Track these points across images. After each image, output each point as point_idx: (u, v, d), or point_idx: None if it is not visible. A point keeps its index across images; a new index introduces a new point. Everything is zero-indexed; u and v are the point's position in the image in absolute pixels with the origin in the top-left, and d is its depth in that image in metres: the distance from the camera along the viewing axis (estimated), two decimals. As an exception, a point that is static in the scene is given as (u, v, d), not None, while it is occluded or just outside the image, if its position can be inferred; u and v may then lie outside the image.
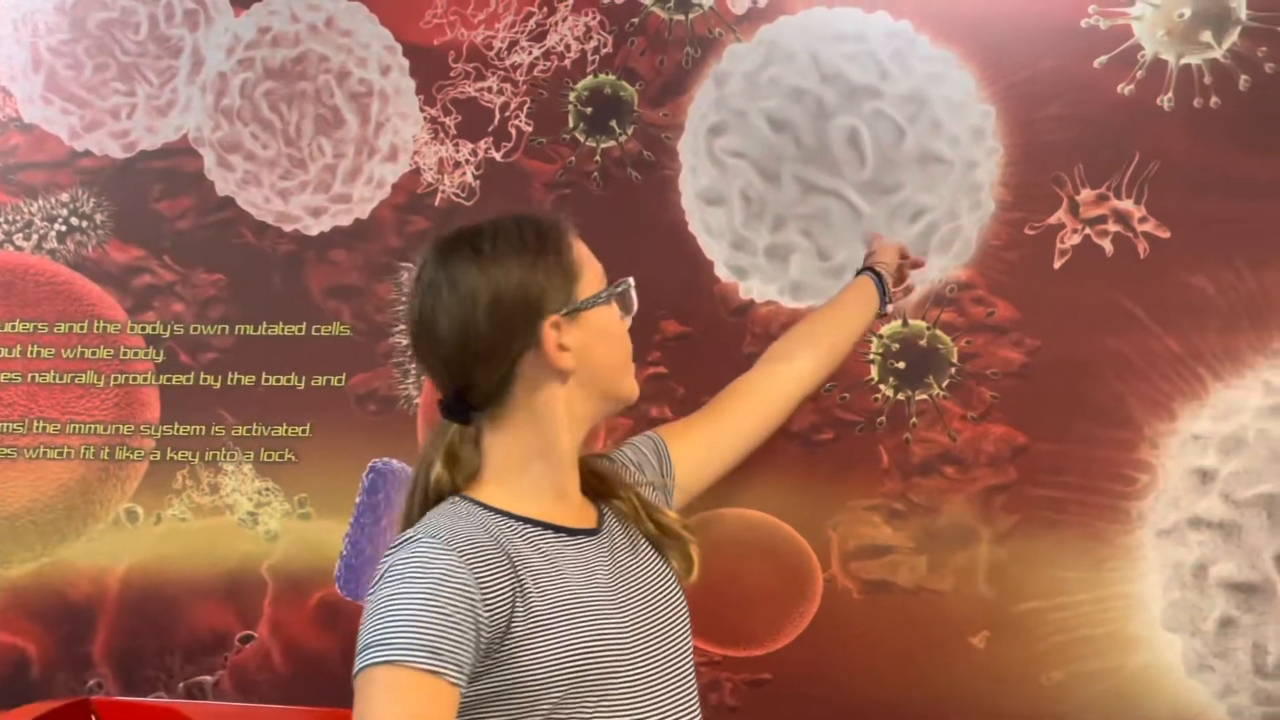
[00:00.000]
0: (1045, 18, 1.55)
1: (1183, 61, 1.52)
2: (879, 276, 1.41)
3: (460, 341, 0.94)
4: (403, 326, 1.68)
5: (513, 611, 0.89)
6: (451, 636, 0.84)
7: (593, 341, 0.97)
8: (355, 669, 0.85)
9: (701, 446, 1.20)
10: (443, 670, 0.83)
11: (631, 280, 1.01)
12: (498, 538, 0.93)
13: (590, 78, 1.64)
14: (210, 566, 1.69)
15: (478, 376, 0.95)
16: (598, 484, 1.06)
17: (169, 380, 1.69)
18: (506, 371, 0.95)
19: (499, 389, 0.96)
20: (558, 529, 0.98)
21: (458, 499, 0.97)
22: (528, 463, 0.98)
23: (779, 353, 1.31)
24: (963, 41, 1.57)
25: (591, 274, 0.99)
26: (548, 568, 0.94)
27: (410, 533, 0.92)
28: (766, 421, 1.26)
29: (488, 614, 0.87)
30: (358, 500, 1.65)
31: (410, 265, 1.66)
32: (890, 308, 1.42)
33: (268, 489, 1.67)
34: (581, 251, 1.00)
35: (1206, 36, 1.51)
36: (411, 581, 0.87)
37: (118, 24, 1.69)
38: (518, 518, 0.96)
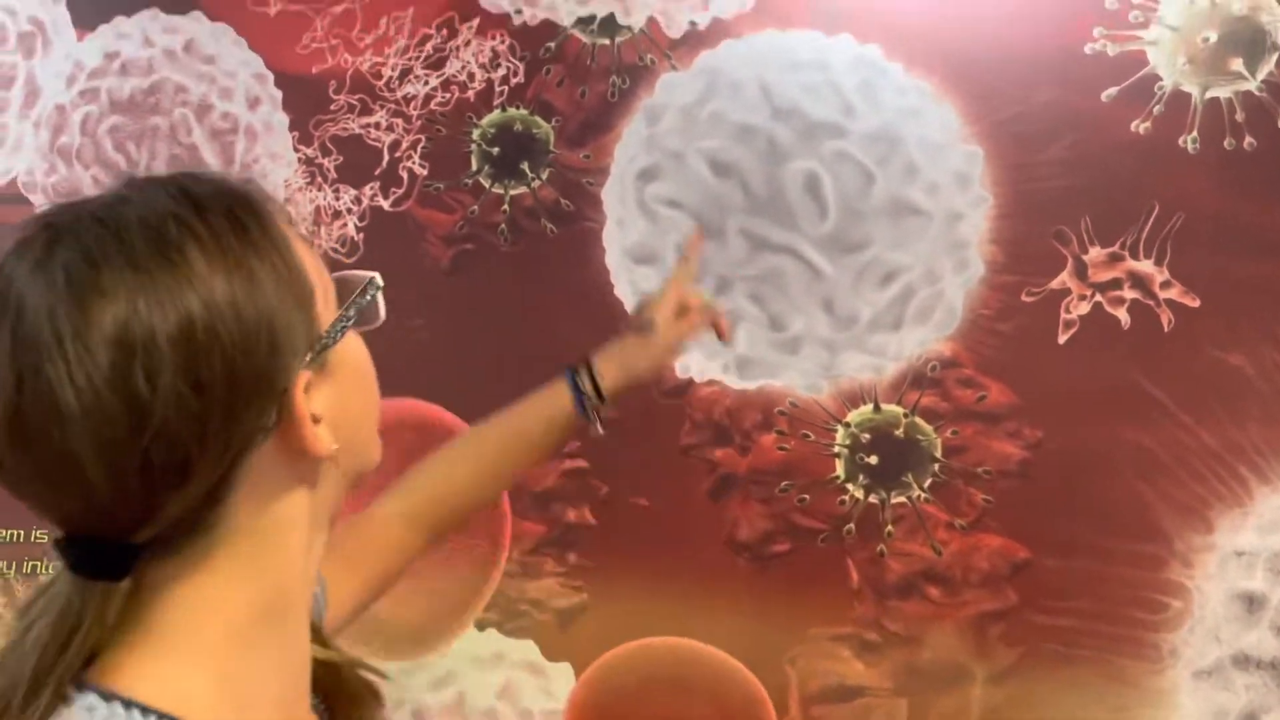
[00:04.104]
0: (1041, 42, 1.28)
1: (1209, 94, 1.26)
2: (576, 374, 0.92)
3: (122, 444, 0.49)
4: None
5: None
6: None
7: (348, 394, 0.58)
8: None
9: (355, 593, 0.81)
10: None
11: (377, 275, 0.60)
12: None
13: (497, 112, 1.38)
14: None
15: (162, 502, 0.51)
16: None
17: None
18: (213, 485, 0.52)
19: (195, 516, 0.52)
20: None
21: (94, 696, 0.51)
22: (246, 641, 0.55)
23: (416, 484, 0.90)
24: (942, 70, 1.30)
25: (320, 278, 0.57)
26: None
27: None
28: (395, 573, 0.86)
29: None
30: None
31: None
32: (600, 424, 0.91)
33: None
34: (299, 242, 0.57)
35: (1237, 65, 1.25)
36: None
37: (-61, 48, 1.42)
38: None
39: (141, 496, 0.50)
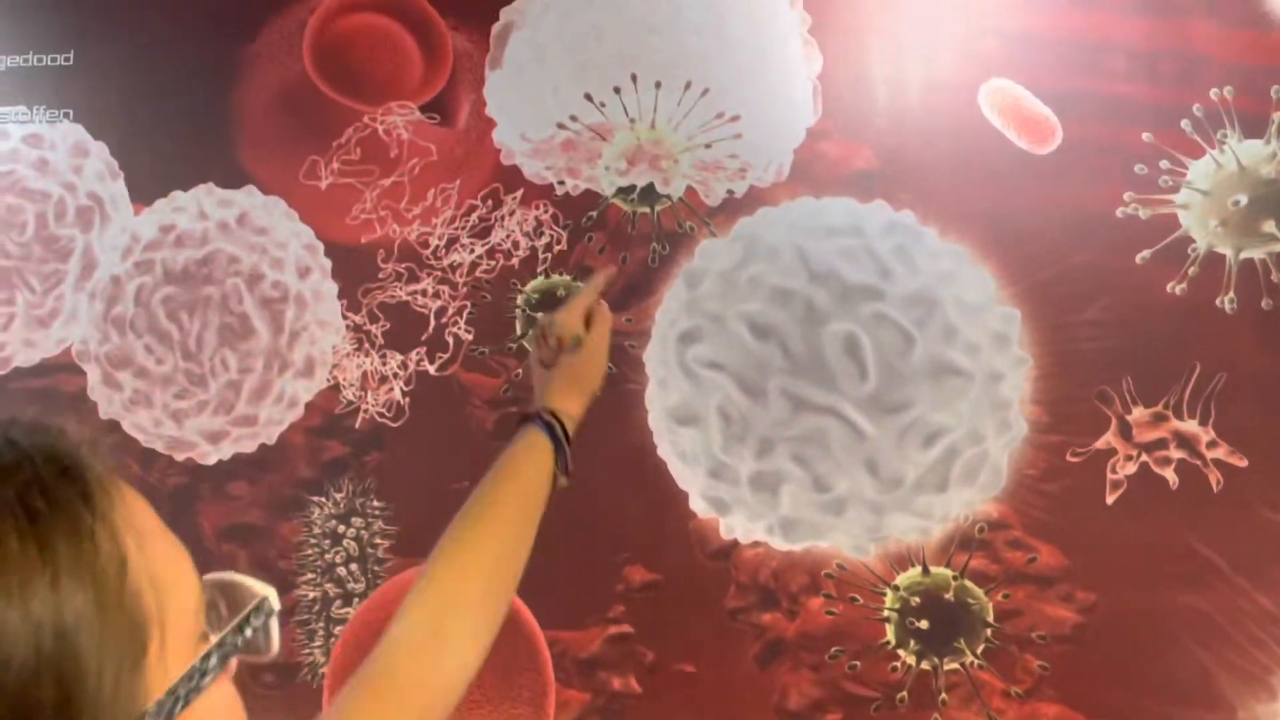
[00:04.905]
0: (1073, 206, 1.31)
1: (1243, 256, 1.28)
2: (557, 427, 0.77)
3: None
4: (309, 576, 1.39)
5: None
6: None
7: None
8: None
9: None
10: None
11: (272, 595, 0.42)
12: None
13: (541, 278, 1.41)
14: None
15: None
16: None
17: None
18: None
19: None
20: None
21: None
22: None
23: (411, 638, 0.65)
24: (977, 234, 1.33)
25: (178, 586, 0.39)
26: None
27: None
28: None
29: None
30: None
31: (322, 500, 1.38)
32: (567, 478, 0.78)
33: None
34: (130, 533, 0.38)
35: (1270, 227, 1.27)
36: None
37: (1, 224, 1.47)
38: None
39: None
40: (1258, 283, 1.27)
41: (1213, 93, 1.29)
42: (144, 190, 1.47)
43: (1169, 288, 1.28)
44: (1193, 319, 1.27)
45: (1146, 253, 1.29)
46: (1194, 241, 1.28)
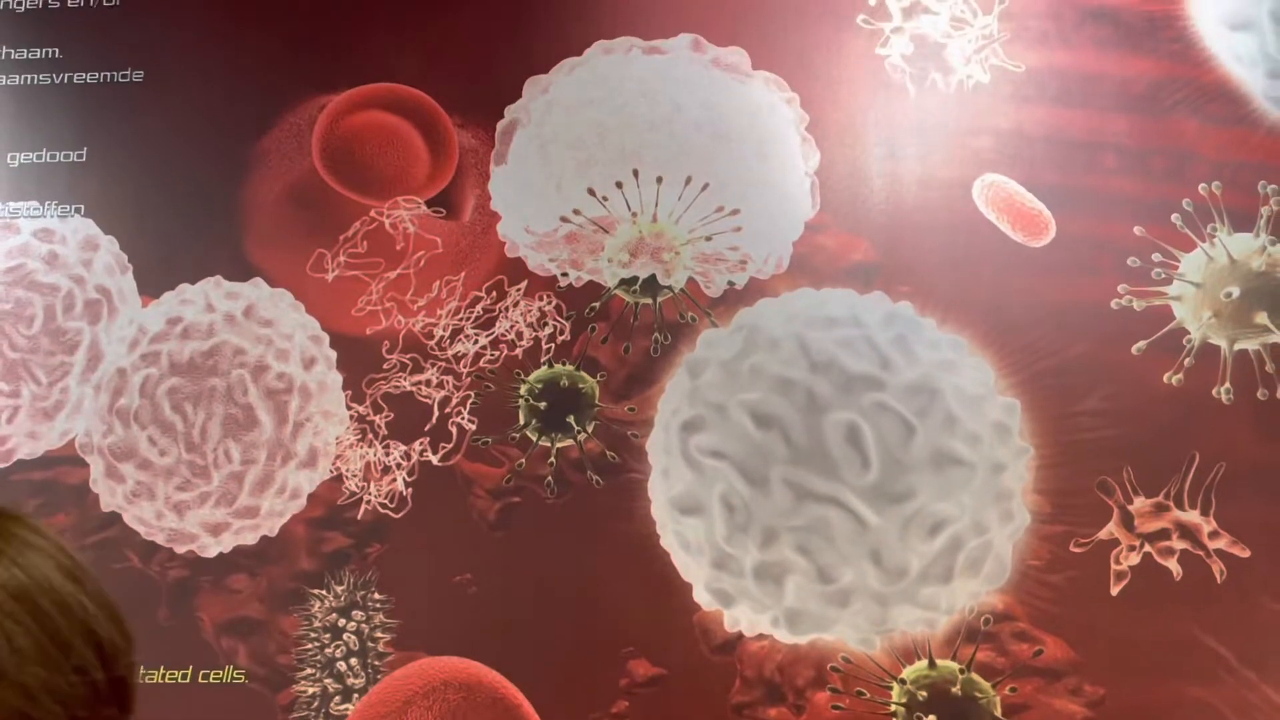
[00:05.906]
0: (1069, 298, 1.33)
1: (1237, 347, 1.29)
2: None
3: None
4: (309, 671, 1.37)
5: None
6: None
7: None
8: None
9: None
10: None
11: None
12: None
13: (544, 368, 1.42)
14: None
15: None
16: None
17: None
18: None
19: None
20: None
21: None
22: None
23: None
24: (975, 325, 1.35)
25: None
26: None
27: None
28: None
29: None
30: None
31: (323, 593, 1.37)
32: None
33: None
34: None
35: (1262, 318, 1.29)
36: None
37: (10, 316, 1.49)
38: None
39: None
40: (1253, 373, 1.28)
41: (1201, 187, 1.32)
42: (152, 283, 1.48)
43: (1166, 378, 1.30)
44: (1190, 409, 1.28)
45: (1142, 344, 1.31)
46: (1189, 333, 1.30)
